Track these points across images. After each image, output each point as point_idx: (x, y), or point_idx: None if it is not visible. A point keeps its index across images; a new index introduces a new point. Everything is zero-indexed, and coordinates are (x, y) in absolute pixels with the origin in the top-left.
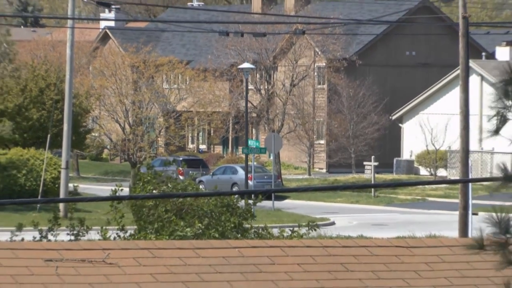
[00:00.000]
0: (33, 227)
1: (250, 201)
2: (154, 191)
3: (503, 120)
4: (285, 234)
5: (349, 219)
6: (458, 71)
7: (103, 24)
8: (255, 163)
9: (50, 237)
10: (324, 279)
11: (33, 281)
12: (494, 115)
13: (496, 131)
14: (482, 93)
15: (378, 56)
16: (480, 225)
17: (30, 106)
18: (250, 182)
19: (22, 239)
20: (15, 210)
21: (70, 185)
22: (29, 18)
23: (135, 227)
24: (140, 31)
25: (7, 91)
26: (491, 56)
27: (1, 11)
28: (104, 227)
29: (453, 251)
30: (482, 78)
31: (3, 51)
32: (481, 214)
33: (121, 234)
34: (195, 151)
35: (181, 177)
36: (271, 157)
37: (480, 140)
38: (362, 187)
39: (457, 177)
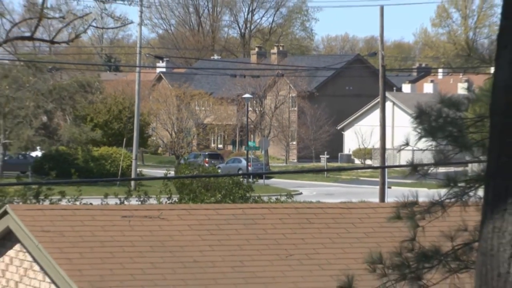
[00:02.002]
0: (115, 196)
1: (250, 180)
2: (187, 173)
3: (419, 138)
4: (271, 200)
5: (310, 190)
6: (379, 99)
7: (158, 70)
8: (252, 156)
9: (125, 202)
10: (295, 228)
11: (114, 229)
12: (417, 132)
13: (408, 143)
14: (394, 113)
15: (329, 89)
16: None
17: (113, 121)
18: (249, 168)
19: (107, 203)
20: (103, 186)
21: (138, 170)
22: (112, 66)
23: (178, 196)
24: (181, 74)
25: (98, 111)
26: (399, 89)
27: (95, 61)
28: (158, 196)
29: (375, 211)
30: (394, 103)
31: (96, 87)
32: (394, 188)
33: (169, 200)
34: (215, 149)
35: (206, 165)
36: (263, 152)
37: (400, 148)
38: (319, 171)
39: (378, 165)
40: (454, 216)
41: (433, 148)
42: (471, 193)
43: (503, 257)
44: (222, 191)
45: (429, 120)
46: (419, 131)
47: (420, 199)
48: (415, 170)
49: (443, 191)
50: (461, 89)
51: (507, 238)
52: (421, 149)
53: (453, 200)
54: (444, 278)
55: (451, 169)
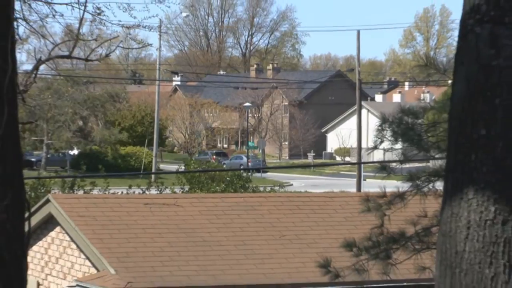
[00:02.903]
0: (138, 187)
1: (250, 174)
2: (198, 168)
3: (380, 142)
4: (267, 190)
5: (300, 182)
6: (356, 107)
7: (174, 83)
8: (252, 154)
9: (147, 192)
10: (286, 213)
11: (138, 214)
12: (377, 139)
13: (376, 147)
14: (368, 119)
15: (315, 99)
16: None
17: (137, 125)
18: (249, 164)
19: (134, 192)
20: (128, 178)
21: (158, 165)
22: (136, 80)
23: (188, 186)
24: (193, 87)
25: (125, 117)
26: (373, 99)
27: (122, 76)
28: (172, 187)
29: (353, 199)
30: (368, 111)
31: (123, 97)
32: (368, 180)
33: (182, 190)
34: (221, 148)
35: (213, 161)
36: (260, 151)
37: (370, 150)
38: (306, 166)
39: (355, 161)
40: (416, 203)
41: (399, 149)
42: (430, 186)
43: (460, 237)
44: (226, 182)
45: (392, 127)
46: (380, 137)
47: (390, 189)
48: (384, 169)
49: (405, 184)
50: (423, 99)
51: (463, 222)
52: (390, 148)
53: (414, 191)
54: (409, 257)
55: (415, 164)
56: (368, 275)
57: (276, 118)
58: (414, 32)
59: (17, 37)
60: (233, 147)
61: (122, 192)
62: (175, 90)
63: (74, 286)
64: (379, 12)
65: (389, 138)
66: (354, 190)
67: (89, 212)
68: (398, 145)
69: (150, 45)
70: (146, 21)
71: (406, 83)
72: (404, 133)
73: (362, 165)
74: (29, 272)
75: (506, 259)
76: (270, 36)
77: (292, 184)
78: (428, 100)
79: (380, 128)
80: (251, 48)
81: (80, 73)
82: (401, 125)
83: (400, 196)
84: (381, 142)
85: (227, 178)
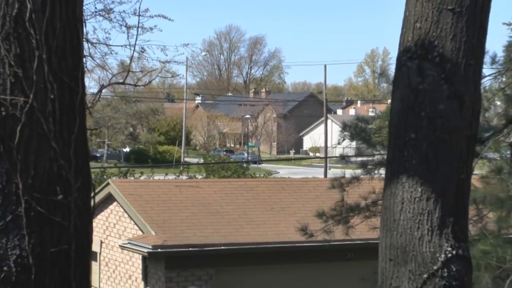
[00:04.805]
0: (174, 174)
1: (249, 165)
2: (212, 160)
3: (342, 140)
4: (261, 176)
5: (284, 171)
6: (323, 118)
7: (196, 101)
8: (250, 151)
9: (179, 177)
10: (275, 192)
11: (171, 193)
12: (340, 138)
13: (339, 143)
14: (332, 127)
15: (295, 112)
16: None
17: (170, 131)
18: (249, 158)
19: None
20: (164, 168)
21: (185, 159)
22: (169, 99)
23: (205, 173)
24: (209, 104)
25: (162, 125)
26: (335, 113)
27: (160, 96)
28: (194, 174)
29: (322, 183)
30: (332, 121)
31: (161, 111)
32: (332, 170)
33: (201, 176)
34: (230, 147)
35: (224, 156)
36: (257, 149)
37: (334, 146)
38: (289, 159)
39: (323, 156)
40: (367, 184)
41: (354, 147)
42: (376, 172)
43: (396, 210)
44: (232, 170)
45: (350, 130)
46: (342, 136)
47: (348, 175)
48: (343, 159)
49: (358, 171)
50: (371, 112)
51: (399, 198)
52: (349, 145)
53: (365, 176)
54: (362, 221)
55: (365, 158)
56: (333, 235)
57: (268, 126)
58: (364, 66)
59: (85, 69)
60: (238, 146)
61: (159, 178)
62: (197, 106)
63: (127, 244)
64: (340, 50)
65: (348, 137)
66: (322, 176)
67: (137, 191)
68: (354, 143)
69: (179, 75)
70: (176, 57)
71: (359, 102)
72: (358, 133)
73: (327, 158)
74: (94, 234)
75: (429, 225)
76: (263, 68)
77: (279, 172)
78: (375, 114)
79: (342, 131)
80: (250, 77)
81: (131, 95)
82: (356, 128)
83: (356, 178)
84: (343, 140)
85: (233, 167)
